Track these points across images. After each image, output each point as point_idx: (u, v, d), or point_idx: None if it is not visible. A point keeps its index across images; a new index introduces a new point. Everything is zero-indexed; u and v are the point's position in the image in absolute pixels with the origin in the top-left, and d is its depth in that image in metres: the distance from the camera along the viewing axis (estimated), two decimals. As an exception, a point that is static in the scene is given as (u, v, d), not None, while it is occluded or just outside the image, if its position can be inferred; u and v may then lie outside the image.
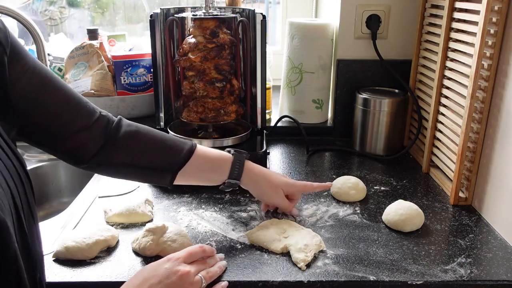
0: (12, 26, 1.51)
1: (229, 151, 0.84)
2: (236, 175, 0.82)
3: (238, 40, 1.12)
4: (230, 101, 1.11)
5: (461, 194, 0.95)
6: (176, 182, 0.80)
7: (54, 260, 0.75)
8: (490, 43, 0.85)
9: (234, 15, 1.11)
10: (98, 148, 0.74)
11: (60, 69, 1.38)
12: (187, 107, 1.10)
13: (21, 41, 1.51)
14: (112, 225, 0.85)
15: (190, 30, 1.06)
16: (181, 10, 1.14)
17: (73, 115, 0.72)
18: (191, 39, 1.05)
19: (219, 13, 1.07)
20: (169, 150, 0.79)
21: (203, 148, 0.83)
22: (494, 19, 0.83)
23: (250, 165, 0.84)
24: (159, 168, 0.78)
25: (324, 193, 0.99)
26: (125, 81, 1.32)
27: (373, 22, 1.23)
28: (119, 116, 0.79)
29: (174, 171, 0.79)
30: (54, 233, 0.83)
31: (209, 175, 0.83)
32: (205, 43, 1.04)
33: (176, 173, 0.79)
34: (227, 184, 0.82)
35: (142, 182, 0.82)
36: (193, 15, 1.05)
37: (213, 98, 1.08)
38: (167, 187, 0.82)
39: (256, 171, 0.85)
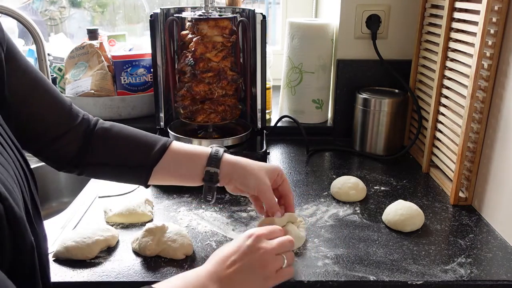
0: (12, 26, 1.51)
1: (211, 147, 0.80)
2: (214, 163, 0.75)
3: (236, 41, 1.12)
4: (237, 97, 1.13)
5: (461, 194, 0.95)
6: (153, 181, 0.77)
7: (54, 260, 0.75)
8: (490, 43, 0.85)
9: (234, 15, 1.11)
10: (76, 150, 0.74)
11: (60, 69, 1.38)
12: (201, 110, 1.08)
13: (21, 41, 1.51)
14: (112, 225, 0.85)
15: (202, 31, 1.03)
16: (181, 10, 1.14)
17: (58, 118, 0.73)
18: (201, 40, 1.03)
19: (219, 13, 1.07)
20: (143, 147, 0.76)
21: (179, 143, 0.79)
22: (494, 19, 0.83)
23: (228, 155, 0.78)
24: (133, 165, 0.76)
25: (324, 193, 0.99)
26: (125, 81, 1.32)
27: (373, 22, 1.23)
28: (96, 118, 0.79)
29: (149, 167, 0.75)
30: (54, 233, 0.83)
31: (186, 167, 0.77)
32: (224, 42, 1.04)
33: (151, 169, 0.76)
34: (206, 175, 0.76)
35: (119, 181, 0.81)
36: (199, 15, 1.04)
37: (230, 96, 1.09)
38: (145, 187, 0.79)
39: (235, 158, 0.78)
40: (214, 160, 0.76)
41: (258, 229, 0.67)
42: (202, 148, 0.79)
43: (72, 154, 0.74)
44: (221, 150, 0.78)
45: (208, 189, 0.78)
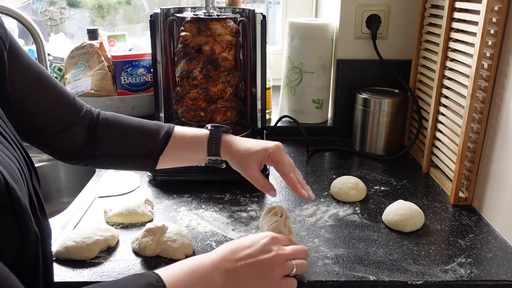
0: (12, 26, 1.51)
1: (207, 127, 0.82)
2: (214, 151, 0.79)
3: (238, 40, 1.12)
4: (236, 94, 1.15)
5: (461, 194, 0.95)
6: (159, 165, 0.81)
7: (54, 260, 0.75)
8: (490, 43, 0.85)
9: (234, 15, 1.11)
10: (82, 142, 0.76)
11: (60, 69, 1.38)
12: (216, 110, 1.07)
13: (21, 41, 1.51)
14: (112, 225, 0.85)
15: (216, 31, 1.03)
16: (181, 10, 1.14)
17: (64, 111, 0.75)
18: (213, 39, 1.04)
19: (217, 13, 1.07)
20: (147, 136, 0.80)
21: (181, 129, 0.82)
22: (494, 19, 0.83)
23: (228, 138, 0.80)
24: (139, 156, 0.79)
25: (324, 193, 0.99)
26: (125, 81, 1.32)
27: (373, 22, 1.23)
28: (97, 109, 0.81)
29: (155, 156, 0.79)
30: (54, 233, 0.83)
31: (189, 155, 0.82)
32: (232, 42, 1.06)
33: (157, 159, 0.79)
34: (209, 162, 0.81)
35: (126, 169, 0.83)
36: (206, 13, 1.04)
37: (234, 93, 1.11)
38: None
39: (234, 142, 0.80)
40: (213, 147, 0.79)
41: (278, 234, 0.68)
42: (201, 132, 0.81)
43: (78, 146, 0.76)
44: (220, 132, 0.80)
45: (214, 165, 0.82)
